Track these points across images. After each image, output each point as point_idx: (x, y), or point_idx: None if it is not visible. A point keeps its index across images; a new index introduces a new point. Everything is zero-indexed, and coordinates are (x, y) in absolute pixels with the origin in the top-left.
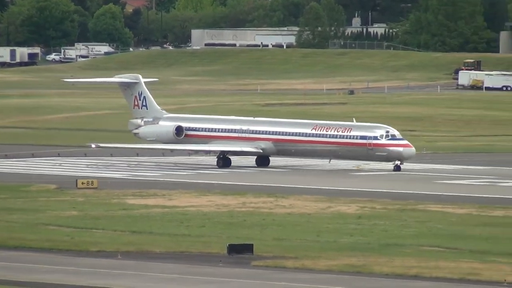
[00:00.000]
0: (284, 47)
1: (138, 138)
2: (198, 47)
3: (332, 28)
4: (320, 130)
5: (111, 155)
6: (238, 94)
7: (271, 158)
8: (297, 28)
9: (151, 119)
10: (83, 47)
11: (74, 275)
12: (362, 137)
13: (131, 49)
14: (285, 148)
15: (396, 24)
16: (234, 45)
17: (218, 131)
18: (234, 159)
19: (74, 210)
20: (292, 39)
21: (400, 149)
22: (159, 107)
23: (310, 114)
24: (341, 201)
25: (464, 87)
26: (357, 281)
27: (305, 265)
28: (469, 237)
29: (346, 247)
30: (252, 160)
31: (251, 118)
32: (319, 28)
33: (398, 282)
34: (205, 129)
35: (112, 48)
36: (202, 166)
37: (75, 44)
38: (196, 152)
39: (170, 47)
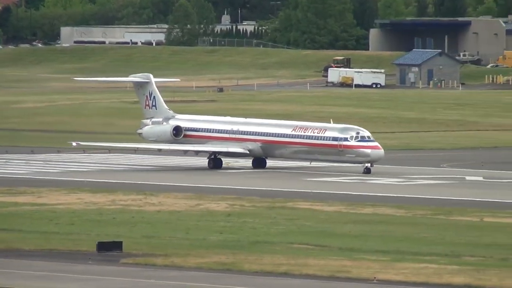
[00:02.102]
0: (154, 44)
1: (142, 138)
2: (67, 45)
3: (202, 26)
4: (299, 131)
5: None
6: (107, 92)
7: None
8: (166, 26)
9: (160, 120)
10: None
11: None
12: (334, 139)
13: (0, 46)
14: (269, 149)
15: (266, 22)
16: (104, 42)
17: (214, 132)
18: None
19: None
20: (161, 37)
21: (368, 151)
22: (166, 107)
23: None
24: (210, 198)
25: (333, 84)
26: (227, 278)
27: (175, 263)
28: (338, 235)
29: (216, 245)
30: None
31: (245, 119)
32: (189, 26)
33: (267, 279)
34: (203, 130)
35: None
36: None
37: None
38: (185, 152)
39: (39, 45)
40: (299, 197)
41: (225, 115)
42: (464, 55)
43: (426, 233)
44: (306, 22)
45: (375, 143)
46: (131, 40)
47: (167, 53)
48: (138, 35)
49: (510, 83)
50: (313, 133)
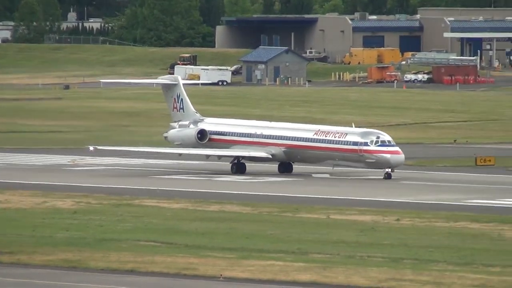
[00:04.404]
0: (0, 42)
1: (167, 142)
2: None
3: (48, 23)
4: (321, 136)
5: None
6: None
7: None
8: (12, 23)
9: (187, 122)
10: None
11: None
12: (354, 143)
13: None
14: (291, 154)
15: (112, 19)
16: None
17: (238, 136)
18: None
19: None
20: (7, 34)
21: (388, 156)
22: (194, 110)
23: (26, 109)
24: (56, 196)
25: None
26: (73, 276)
27: (21, 260)
28: (185, 232)
29: (62, 242)
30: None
31: (271, 123)
32: (35, 23)
33: (113, 277)
34: (228, 134)
35: None
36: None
37: None
38: (207, 157)
39: None
40: (145, 195)
41: (72, 112)
42: (310, 52)
43: (273, 230)
44: (152, 19)
45: (396, 148)
46: None
47: (13, 50)
48: None
49: (357, 80)
50: (334, 137)
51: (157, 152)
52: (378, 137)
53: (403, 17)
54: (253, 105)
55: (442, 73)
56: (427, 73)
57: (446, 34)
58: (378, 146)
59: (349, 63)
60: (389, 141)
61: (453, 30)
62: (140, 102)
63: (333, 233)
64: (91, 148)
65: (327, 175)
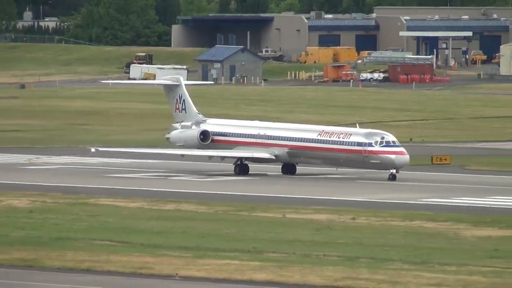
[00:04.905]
0: None
1: (169, 143)
2: None
3: (3, 22)
4: (325, 136)
5: None
6: None
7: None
8: None
9: (189, 123)
10: None
11: None
12: (359, 144)
13: None
14: (295, 155)
15: (68, 18)
16: None
17: (241, 137)
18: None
19: None
20: None
21: (392, 156)
22: (197, 111)
23: None
24: (12, 195)
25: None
26: (28, 275)
27: None
28: (141, 231)
29: (18, 241)
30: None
31: (275, 123)
32: None
33: (69, 276)
34: (230, 134)
35: None
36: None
37: None
38: (210, 158)
39: None
40: (101, 194)
41: (28, 111)
42: (266, 51)
43: (229, 229)
44: (108, 18)
45: (400, 149)
46: None
47: None
48: None
49: (313, 79)
50: (338, 138)
51: (159, 154)
52: (382, 138)
53: (359, 16)
54: (209, 103)
55: (398, 72)
56: (383, 72)
57: (402, 33)
58: (383, 146)
59: (305, 62)
60: (393, 142)
61: (409, 29)
62: (95, 101)
63: (288, 232)
64: (93, 149)
65: (279, 173)
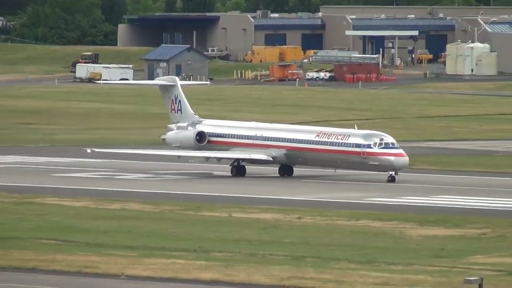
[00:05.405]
0: None
1: (165, 144)
2: None
3: None
4: (323, 138)
5: None
6: None
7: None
8: None
9: (185, 124)
10: None
11: None
12: (357, 145)
13: None
14: (293, 156)
15: (14, 17)
16: None
17: (238, 138)
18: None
19: None
20: None
21: (392, 158)
22: (193, 112)
23: None
24: None
25: (81, 80)
26: None
27: None
28: (86, 230)
29: None
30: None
31: (272, 124)
32: None
33: (15, 275)
34: (227, 136)
35: None
36: None
37: None
38: (207, 159)
39: None
40: (47, 193)
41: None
42: (212, 51)
43: (175, 228)
44: (54, 17)
45: (400, 150)
46: None
47: None
48: None
49: (259, 78)
50: (337, 139)
51: (155, 155)
52: (381, 139)
53: (305, 15)
54: (154, 103)
55: (344, 71)
56: (329, 71)
57: (348, 32)
58: (382, 148)
59: (251, 61)
60: (392, 143)
61: (355, 28)
62: (41, 100)
63: (235, 231)
64: (89, 150)
65: (229, 173)
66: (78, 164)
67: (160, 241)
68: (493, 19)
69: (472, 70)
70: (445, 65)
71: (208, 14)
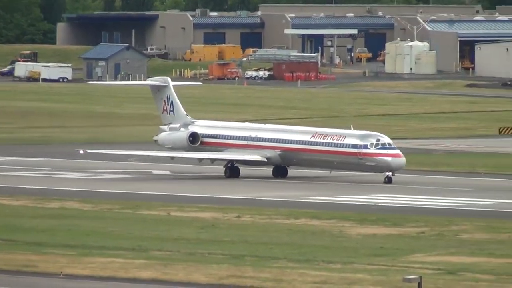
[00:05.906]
0: None
1: (158, 145)
2: None
3: None
4: (318, 138)
5: None
6: None
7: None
8: None
9: (177, 125)
10: None
11: None
12: (354, 146)
13: None
14: (287, 157)
15: None
16: None
17: (231, 139)
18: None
19: None
20: None
21: (388, 159)
22: (185, 113)
23: None
24: None
25: (20, 79)
26: None
27: None
28: (25, 229)
29: None
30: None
31: (266, 125)
32: None
33: None
34: (220, 136)
35: None
36: None
37: None
38: (200, 161)
39: None
40: None
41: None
42: (151, 49)
43: (113, 227)
44: None
45: (396, 151)
46: None
47: None
48: None
49: (198, 77)
50: (332, 140)
51: (148, 156)
52: (378, 140)
53: (244, 14)
54: (95, 101)
55: (283, 70)
56: (268, 70)
57: (287, 31)
58: (378, 149)
59: (190, 60)
60: (389, 144)
61: (294, 26)
62: None
63: (173, 230)
64: (81, 151)
65: (168, 172)
66: (18, 162)
67: (99, 240)
68: (432, 18)
69: (411, 69)
70: (384, 63)
71: (147, 12)
